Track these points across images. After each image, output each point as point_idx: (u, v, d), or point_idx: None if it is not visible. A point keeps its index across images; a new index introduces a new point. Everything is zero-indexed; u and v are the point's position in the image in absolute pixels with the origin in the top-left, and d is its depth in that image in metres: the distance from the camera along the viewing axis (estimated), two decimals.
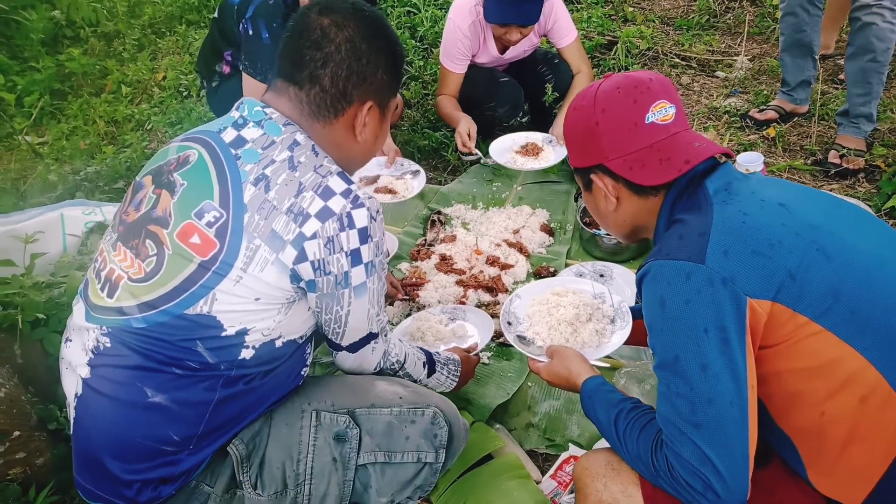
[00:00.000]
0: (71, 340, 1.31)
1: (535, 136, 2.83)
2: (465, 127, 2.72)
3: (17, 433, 1.61)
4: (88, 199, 2.68)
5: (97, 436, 1.24)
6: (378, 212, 1.26)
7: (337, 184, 1.22)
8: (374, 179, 2.71)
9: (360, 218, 1.21)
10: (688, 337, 1.06)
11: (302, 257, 1.19)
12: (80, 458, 1.28)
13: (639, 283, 1.19)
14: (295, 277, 1.21)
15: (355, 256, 1.23)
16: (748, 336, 1.04)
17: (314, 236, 1.18)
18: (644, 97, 1.21)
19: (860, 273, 1.08)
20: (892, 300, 1.07)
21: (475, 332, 2.00)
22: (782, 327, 1.06)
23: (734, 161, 2.77)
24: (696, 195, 1.19)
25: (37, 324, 1.80)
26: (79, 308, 1.31)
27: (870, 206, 2.54)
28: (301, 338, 1.34)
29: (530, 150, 2.75)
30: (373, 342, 1.40)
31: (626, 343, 1.57)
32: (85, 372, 1.25)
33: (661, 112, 1.21)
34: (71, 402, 1.29)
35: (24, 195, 2.92)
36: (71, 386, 1.29)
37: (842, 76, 3.24)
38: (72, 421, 1.29)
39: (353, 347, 1.38)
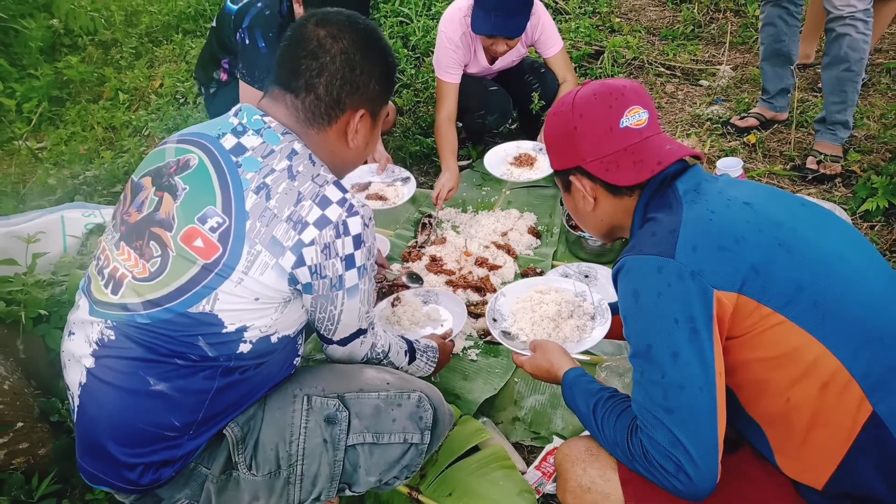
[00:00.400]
0: (74, 333, 1.37)
1: (527, 146, 2.89)
2: (448, 183, 2.68)
3: (20, 424, 1.66)
4: (87, 203, 2.73)
5: (101, 422, 1.30)
6: (371, 219, 1.34)
7: (333, 193, 1.29)
8: (366, 186, 2.79)
9: (355, 225, 1.29)
10: (660, 327, 1.13)
11: (300, 262, 1.26)
12: (83, 443, 1.34)
13: (614, 278, 1.26)
14: (293, 280, 1.28)
15: (349, 261, 1.30)
16: (715, 326, 1.11)
17: (312, 243, 1.26)
18: (619, 103, 1.29)
19: (820, 267, 1.15)
20: (850, 292, 1.14)
21: (449, 317, 2.09)
22: (748, 318, 1.12)
23: (706, 164, 2.87)
24: (668, 195, 1.26)
25: (39, 320, 1.86)
26: (82, 303, 1.37)
27: (845, 209, 2.62)
28: (294, 332, 1.41)
29: (524, 161, 2.82)
30: (362, 336, 1.48)
31: (607, 337, 1.65)
32: (89, 362, 1.31)
33: (635, 117, 1.29)
34: (75, 391, 1.34)
35: (24, 198, 2.98)
36: (75, 376, 1.34)
37: (821, 84, 3.34)
38: (75, 409, 1.35)
39: (344, 342, 1.46)
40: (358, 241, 1.30)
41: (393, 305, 2.12)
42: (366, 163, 2.88)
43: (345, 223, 1.28)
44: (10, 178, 3.22)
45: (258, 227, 1.25)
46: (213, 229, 1.26)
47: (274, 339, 1.34)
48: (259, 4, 2.54)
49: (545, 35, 2.79)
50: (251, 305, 1.27)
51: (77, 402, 1.34)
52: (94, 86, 4.15)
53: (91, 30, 4.55)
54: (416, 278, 2.35)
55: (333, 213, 1.27)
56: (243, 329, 1.28)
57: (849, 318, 1.12)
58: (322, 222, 1.26)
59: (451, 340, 1.94)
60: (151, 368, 1.27)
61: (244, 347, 1.30)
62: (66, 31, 4.56)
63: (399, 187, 2.78)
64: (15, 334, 1.82)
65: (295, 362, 1.47)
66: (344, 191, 1.31)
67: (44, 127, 3.78)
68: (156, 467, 1.29)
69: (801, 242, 1.17)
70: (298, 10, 2.40)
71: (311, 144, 1.36)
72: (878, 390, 1.09)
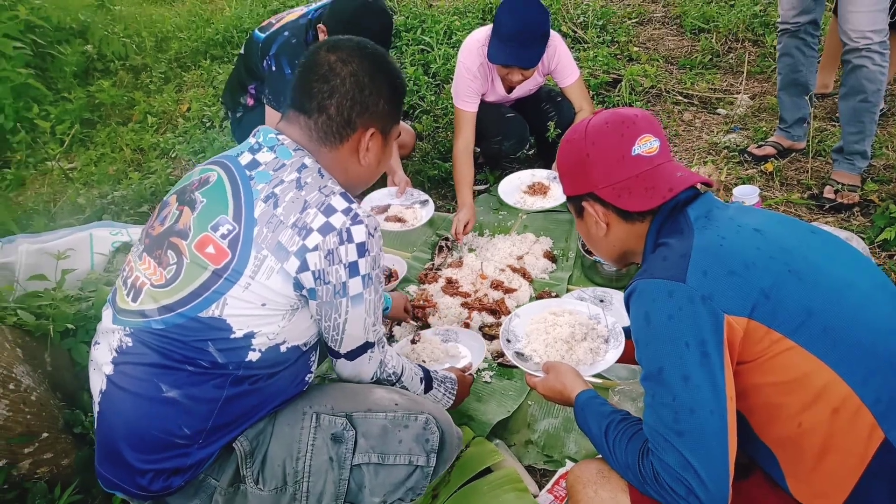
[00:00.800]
0: (99, 343, 1.44)
1: (541, 174, 2.92)
2: (465, 218, 2.72)
3: (45, 435, 1.71)
4: (115, 222, 2.81)
5: (117, 427, 1.35)
6: (376, 229, 1.38)
7: (339, 202, 1.35)
8: (385, 208, 2.84)
9: (359, 233, 1.33)
10: (671, 350, 1.15)
11: (304, 267, 1.31)
12: (101, 449, 1.39)
13: (626, 301, 1.28)
14: (297, 285, 1.33)
15: (353, 268, 1.34)
16: (726, 350, 1.12)
17: (315, 248, 1.31)
18: (630, 131, 1.32)
19: (830, 293, 1.16)
20: (860, 318, 1.15)
21: (468, 353, 2.10)
22: (758, 343, 1.14)
23: (723, 191, 2.88)
24: (679, 221, 1.29)
25: (66, 334, 1.92)
26: (107, 313, 1.44)
27: (863, 238, 2.61)
28: (305, 345, 1.44)
29: (538, 190, 2.85)
30: (369, 351, 1.49)
31: (620, 361, 1.66)
32: (109, 369, 1.37)
33: (647, 145, 1.32)
34: (96, 398, 1.40)
35: (55, 217, 3.07)
36: (97, 384, 1.40)
37: (839, 114, 3.35)
38: (96, 416, 1.40)
39: (351, 355, 1.48)
40: (362, 249, 1.34)
41: (413, 342, 2.14)
42: (385, 184, 2.94)
43: (348, 231, 1.32)
44: (42, 198, 3.32)
45: (265, 232, 1.31)
46: (223, 236, 1.32)
47: (283, 348, 1.38)
48: (286, 33, 2.64)
49: (562, 65, 2.84)
50: (258, 311, 1.32)
51: (98, 408, 1.40)
52: (124, 109, 4.29)
53: (123, 55, 4.71)
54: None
55: (337, 220, 1.32)
56: (251, 335, 1.33)
57: (859, 344, 1.13)
58: (326, 229, 1.31)
59: (471, 374, 1.94)
60: (164, 375, 1.32)
61: (253, 356, 1.34)
62: (100, 57, 4.72)
63: (417, 210, 2.83)
64: (43, 347, 1.88)
65: (307, 378, 1.50)
66: (350, 201, 1.36)
67: (75, 148, 3.90)
68: (167, 475, 1.33)
69: (811, 269, 1.18)
70: (323, 38, 2.48)
71: (323, 162, 1.43)
72: (889, 417, 1.10)
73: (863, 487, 1.11)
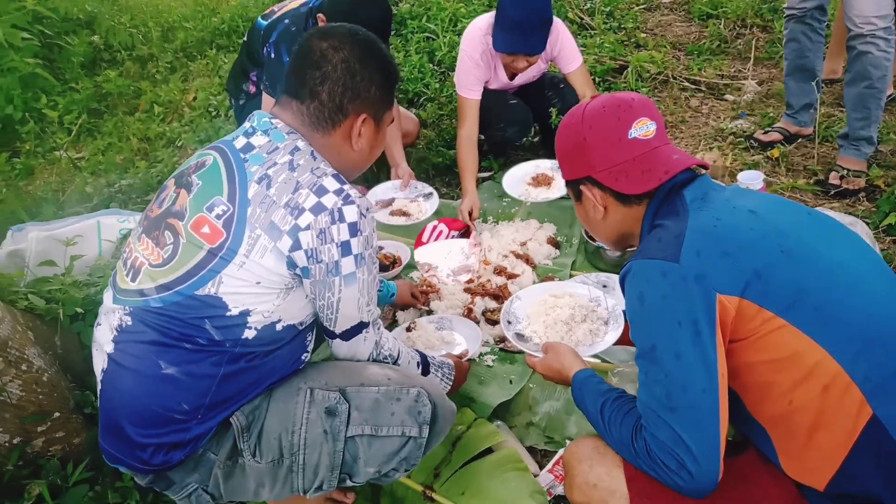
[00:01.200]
0: (101, 323, 1.48)
1: (545, 165, 2.91)
2: (468, 206, 2.73)
3: (57, 414, 1.76)
4: (122, 210, 2.85)
5: (119, 404, 1.39)
6: (368, 210, 1.41)
7: (331, 183, 1.38)
8: (389, 202, 2.85)
9: (351, 213, 1.36)
10: (664, 328, 1.17)
11: (296, 246, 1.34)
12: (104, 425, 1.44)
13: (622, 282, 1.30)
14: (291, 264, 1.36)
15: (345, 247, 1.37)
16: (718, 328, 1.14)
17: (308, 227, 1.34)
18: (627, 115, 1.33)
19: (823, 273, 1.18)
20: (852, 299, 1.17)
21: (463, 341, 2.12)
22: (750, 321, 1.16)
23: (727, 177, 2.87)
24: (675, 203, 1.30)
25: (75, 318, 1.96)
26: (108, 294, 1.48)
27: (868, 223, 2.61)
28: (301, 324, 1.47)
29: (541, 181, 2.85)
30: (364, 331, 1.52)
31: (619, 343, 1.68)
32: (110, 348, 1.41)
33: (643, 128, 1.33)
34: (99, 377, 1.45)
35: (63, 205, 3.12)
36: (99, 363, 1.45)
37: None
38: (99, 394, 1.45)
39: (346, 335, 1.50)
40: (354, 229, 1.36)
41: (408, 330, 2.16)
42: (388, 177, 2.95)
43: (340, 210, 1.35)
44: (50, 186, 3.37)
45: (258, 212, 1.34)
46: (218, 216, 1.36)
47: (279, 326, 1.41)
48: (286, 21, 2.65)
49: (564, 51, 2.83)
50: (253, 289, 1.35)
51: (100, 386, 1.44)
52: (131, 99, 4.33)
53: (129, 45, 4.75)
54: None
55: (329, 200, 1.35)
56: (246, 313, 1.36)
57: (849, 324, 1.14)
58: (317, 208, 1.34)
59: (468, 360, 1.96)
60: (163, 352, 1.35)
61: (249, 333, 1.37)
62: (106, 47, 4.76)
63: (422, 203, 2.84)
64: (53, 330, 1.93)
65: (303, 357, 1.53)
66: (342, 182, 1.39)
67: (83, 138, 3.95)
68: (166, 449, 1.37)
69: (805, 249, 1.20)
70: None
71: (316, 147, 1.45)
72: (878, 394, 1.11)
73: (851, 462, 1.13)
